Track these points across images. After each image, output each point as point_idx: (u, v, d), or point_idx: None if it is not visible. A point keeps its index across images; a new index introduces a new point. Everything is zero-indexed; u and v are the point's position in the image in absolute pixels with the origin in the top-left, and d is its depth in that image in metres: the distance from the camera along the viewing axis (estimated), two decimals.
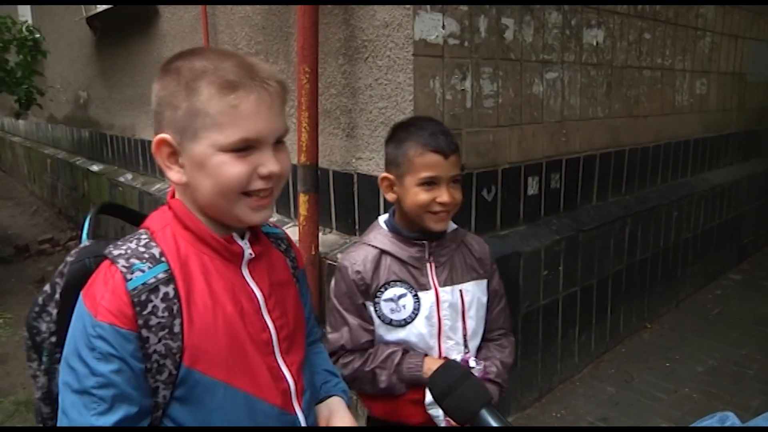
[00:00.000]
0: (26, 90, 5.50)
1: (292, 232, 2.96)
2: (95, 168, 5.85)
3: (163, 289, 0.91)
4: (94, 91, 5.78)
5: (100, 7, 4.89)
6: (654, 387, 3.19)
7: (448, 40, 2.41)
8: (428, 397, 1.42)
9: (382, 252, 1.49)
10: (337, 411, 1.18)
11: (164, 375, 0.91)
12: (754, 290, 4.59)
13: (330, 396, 1.21)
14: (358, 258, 1.50)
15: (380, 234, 1.53)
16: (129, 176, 5.08)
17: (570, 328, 3.21)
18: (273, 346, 1.03)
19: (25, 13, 7.31)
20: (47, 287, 1.00)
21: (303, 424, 1.06)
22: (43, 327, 0.99)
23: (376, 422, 1.60)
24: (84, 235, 1.06)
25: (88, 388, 0.87)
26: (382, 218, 1.57)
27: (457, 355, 1.49)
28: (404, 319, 1.48)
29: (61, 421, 0.90)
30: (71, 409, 0.88)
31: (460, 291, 1.51)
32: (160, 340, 0.90)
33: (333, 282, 1.55)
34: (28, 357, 1.02)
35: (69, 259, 0.99)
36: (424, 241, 1.49)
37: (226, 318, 0.96)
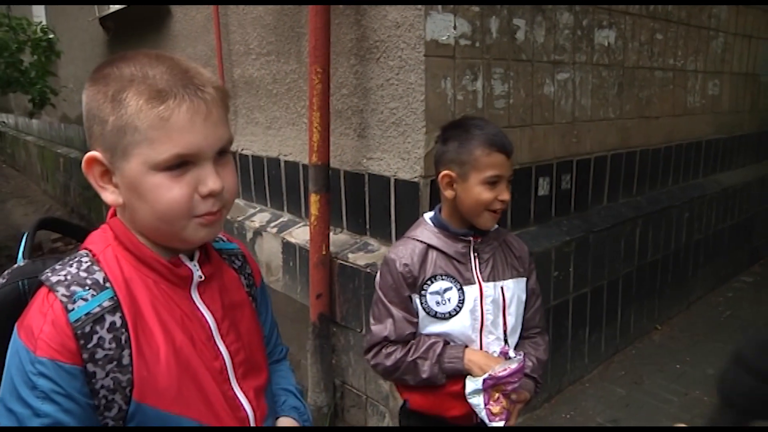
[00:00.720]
0: (40, 90, 5.56)
1: (303, 232, 2.98)
2: None
3: (109, 319, 0.83)
4: None
5: (113, 7, 4.94)
6: (664, 389, 3.18)
7: (460, 41, 2.41)
8: (468, 387, 1.45)
9: (429, 246, 1.54)
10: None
11: (113, 411, 0.84)
12: (766, 293, 4.55)
13: (278, 418, 1.14)
14: (405, 252, 1.54)
15: (426, 230, 1.57)
16: None
17: (580, 329, 3.21)
18: (228, 373, 0.96)
19: (39, 13, 7.40)
20: None
21: None
22: None
23: (412, 415, 1.63)
24: (19, 255, 0.96)
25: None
26: (428, 215, 1.62)
27: (497, 348, 1.53)
28: (449, 312, 1.52)
29: None
30: None
31: (502, 287, 1.55)
32: (107, 374, 0.82)
33: (378, 275, 1.59)
34: None
35: (0, 280, 0.91)
36: (469, 238, 1.54)
37: (176, 348, 0.89)
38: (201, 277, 0.95)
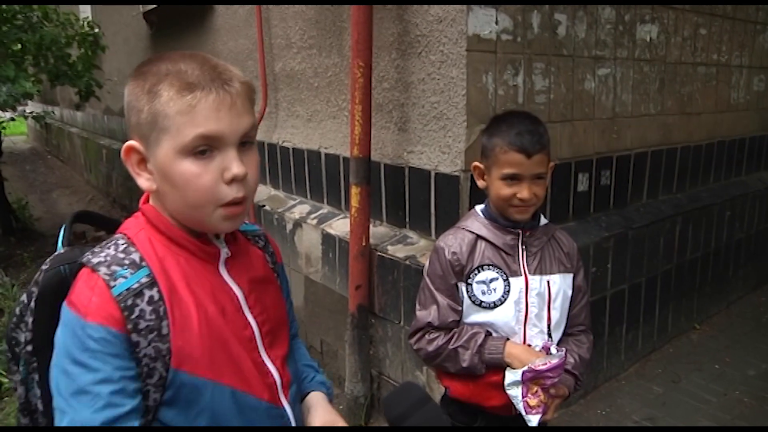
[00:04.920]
0: (86, 82, 5.72)
1: (343, 224, 3.03)
2: None
3: (147, 293, 0.91)
4: None
5: None
6: (702, 389, 3.14)
7: (501, 36, 2.42)
8: (507, 379, 1.48)
9: (478, 237, 1.58)
10: (314, 406, 1.18)
11: (155, 378, 0.91)
12: None
13: (309, 392, 1.21)
14: (454, 241, 1.58)
15: (477, 221, 1.61)
16: None
17: (617, 325, 3.19)
18: (256, 342, 1.04)
19: (85, 8, 7.59)
20: (24, 297, 0.98)
21: (290, 416, 1.08)
22: (22, 337, 0.98)
23: (452, 403, 1.66)
24: (59, 243, 1.04)
25: (84, 386, 0.86)
26: (479, 207, 1.65)
27: (539, 342, 1.55)
28: (494, 302, 1.55)
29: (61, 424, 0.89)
30: (69, 411, 0.86)
31: (548, 281, 1.57)
32: (149, 344, 0.90)
33: (428, 262, 1.64)
34: (9, 369, 1.01)
35: (43, 267, 0.99)
36: (518, 230, 1.57)
37: (208, 318, 0.96)
38: (228, 254, 1.03)
